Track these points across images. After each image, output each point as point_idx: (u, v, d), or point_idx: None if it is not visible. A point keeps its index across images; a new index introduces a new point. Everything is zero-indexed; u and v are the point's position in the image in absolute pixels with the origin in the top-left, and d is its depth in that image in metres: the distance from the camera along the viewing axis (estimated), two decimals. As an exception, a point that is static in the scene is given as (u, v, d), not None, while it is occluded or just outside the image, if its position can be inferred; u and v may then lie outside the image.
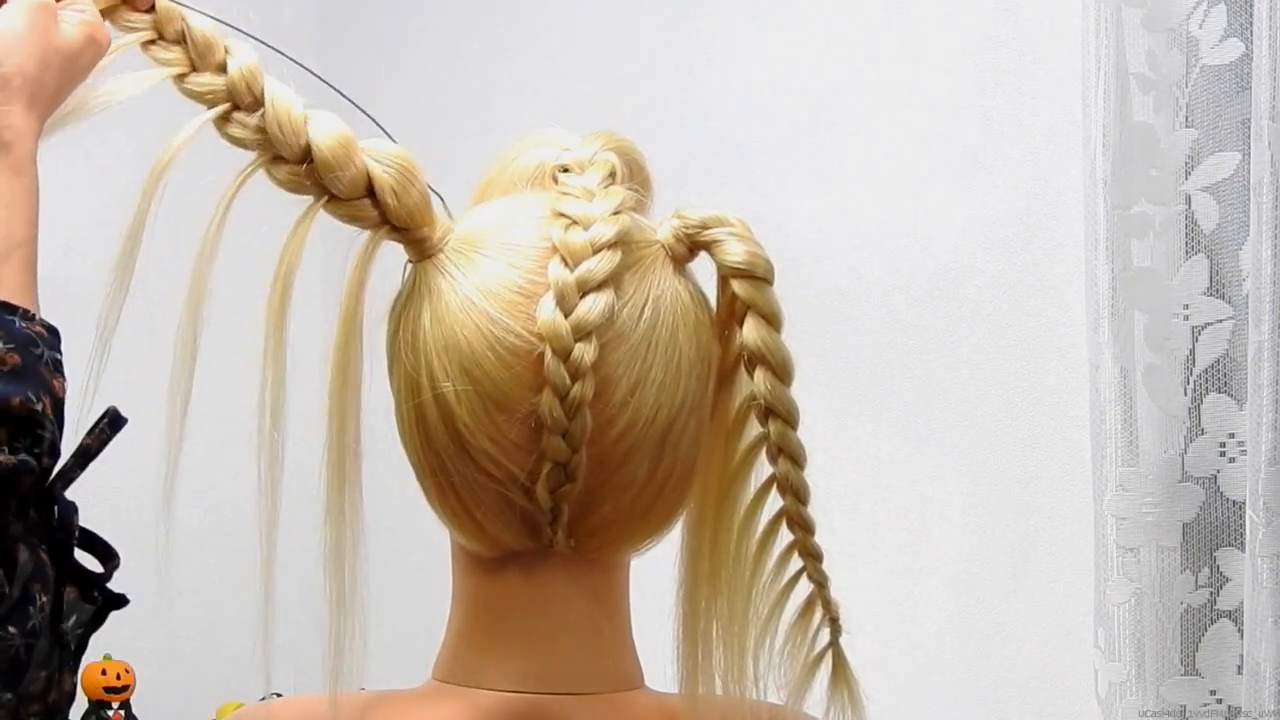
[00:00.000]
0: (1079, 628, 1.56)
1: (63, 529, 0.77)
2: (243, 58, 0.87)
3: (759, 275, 0.88)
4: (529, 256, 0.86)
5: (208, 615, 2.52)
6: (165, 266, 0.84)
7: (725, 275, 0.89)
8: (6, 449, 0.73)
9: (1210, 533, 1.34)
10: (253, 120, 0.86)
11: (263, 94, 0.86)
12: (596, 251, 0.85)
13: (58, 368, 0.76)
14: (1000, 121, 1.72)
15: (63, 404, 0.76)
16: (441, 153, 2.09)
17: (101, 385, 0.82)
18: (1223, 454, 1.32)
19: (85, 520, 0.79)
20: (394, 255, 0.89)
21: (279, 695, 0.85)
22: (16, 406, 0.73)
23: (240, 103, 0.87)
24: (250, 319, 0.88)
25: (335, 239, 0.87)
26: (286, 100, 0.86)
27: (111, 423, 0.80)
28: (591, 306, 0.84)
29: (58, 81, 0.83)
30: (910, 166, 1.80)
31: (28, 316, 0.76)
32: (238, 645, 2.49)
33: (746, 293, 0.88)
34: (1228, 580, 1.32)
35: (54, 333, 0.78)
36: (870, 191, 1.84)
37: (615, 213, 0.87)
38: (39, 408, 0.74)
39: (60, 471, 0.77)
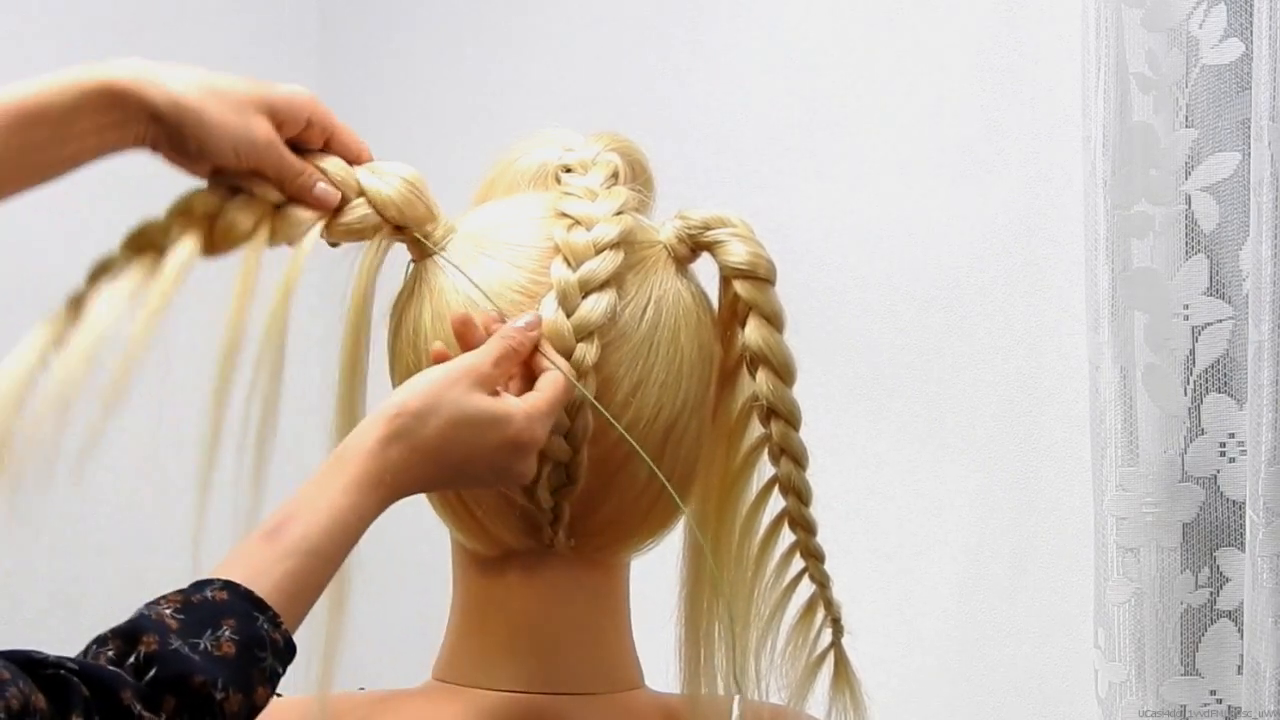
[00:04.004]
0: (1079, 628, 1.56)
1: None
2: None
3: (761, 276, 0.88)
4: (531, 256, 0.86)
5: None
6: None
7: (727, 276, 0.89)
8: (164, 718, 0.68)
9: (1210, 533, 1.34)
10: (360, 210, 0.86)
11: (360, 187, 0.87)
12: (599, 252, 0.85)
13: (272, 679, 0.73)
14: (1000, 121, 1.72)
15: (255, 713, 0.72)
16: (443, 152, 2.09)
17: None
18: (1223, 454, 1.32)
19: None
20: (394, 254, 0.89)
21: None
22: (196, 685, 0.69)
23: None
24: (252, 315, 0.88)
25: (330, 252, 0.87)
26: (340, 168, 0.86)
27: None
28: (594, 307, 0.84)
29: (445, 438, 0.79)
30: (910, 166, 1.80)
31: (275, 622, 0.73)
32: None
33: (748, 293, 0.88)
34: (1228, 580, 1.32)
35: (290, 649, 0.74)
36: (870, 192, 1.84)
37: (618, 213, 0.87)
38: (219, 698, 0.69)
39: None
